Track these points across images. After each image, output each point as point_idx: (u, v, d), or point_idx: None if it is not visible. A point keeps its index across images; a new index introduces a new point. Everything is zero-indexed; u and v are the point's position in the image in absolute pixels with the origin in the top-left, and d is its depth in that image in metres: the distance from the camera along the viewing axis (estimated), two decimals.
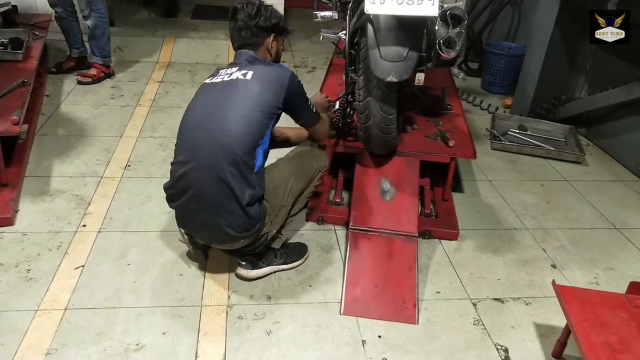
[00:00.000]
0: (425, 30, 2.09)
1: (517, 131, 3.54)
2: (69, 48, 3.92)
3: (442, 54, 2.32)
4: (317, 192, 2.42)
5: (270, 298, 2.02)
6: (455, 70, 4.66)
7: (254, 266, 2.07)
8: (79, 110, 3.38)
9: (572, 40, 3.53)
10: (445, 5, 2.33)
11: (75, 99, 3.56)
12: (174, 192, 1.93)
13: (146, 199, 2.54)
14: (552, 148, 3.33)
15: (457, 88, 4.12)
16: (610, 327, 1.59)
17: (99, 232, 2.29)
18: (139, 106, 3.53)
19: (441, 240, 2.42)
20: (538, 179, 3.04)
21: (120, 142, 3.04)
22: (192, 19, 5.57)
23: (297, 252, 2.21)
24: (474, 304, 2.07)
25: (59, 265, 2.07)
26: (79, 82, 3.74)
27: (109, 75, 3.92)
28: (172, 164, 1.95)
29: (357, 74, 2.24)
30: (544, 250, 2.42)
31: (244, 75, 1.88)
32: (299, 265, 2.18)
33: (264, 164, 1.93)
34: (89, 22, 3.69)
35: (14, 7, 4.05)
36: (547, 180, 3.04)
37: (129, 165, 2.82)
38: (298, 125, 2.17)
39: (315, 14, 2.33)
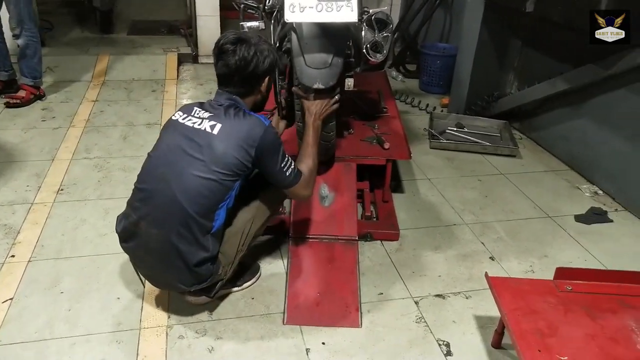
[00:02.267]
0: (349, 36, 2.12)
1: (455, 129, 3.63)
2: None
3: (370, 58, 2.36)
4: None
5: (211, 314, 1.98)
6: (393, 73, 4.76)
7: (203, 293, 1.96)
8: (7, 135, 3.24)
9: (500, 39, 3.66)
10: (370, 10, 2.37)
11: (3, 123, 3.41)
12: (125, 236, 1.83)
13: (80, 223, 2.45)
14: (488, 143, 3.44)
15: (395, 90, 4.21)
16: (539, 314, 1.64)
17: (29, 261, 2.19)
18: (72, 127, 3.41)
19: (383, 242, 2.45)
20: (476, 174, 3.13)
21: (52, 166, 2.93)
22: (128, 34, 5.47)
23: (249, 272, 2.14)
24: (416, 302, 2.10)
25: None
26: (7, 105, 3.58)
27: (40, 97, 3.77)
28: (127, 203, 1.84)
29: (294, 82, 2.24)
30: (482, 243, 2.49)
31: (212, 127, 1.71)
32: (250, 286, 2.13)
33: (226, 221, 1.82)
34: (19, 42, 3.54)
35: None
36: (485, 175, 3.13)
37: (61, 189, 2.71)
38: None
39: (241, 24, 2.31)
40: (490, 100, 3.78)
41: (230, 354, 1.82)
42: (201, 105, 1.83)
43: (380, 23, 2.39)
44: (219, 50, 1.77)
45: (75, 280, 2.11)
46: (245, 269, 2.15)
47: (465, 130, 3.63)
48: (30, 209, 2.54)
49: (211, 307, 2.01)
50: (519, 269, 2.33)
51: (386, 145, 2.59)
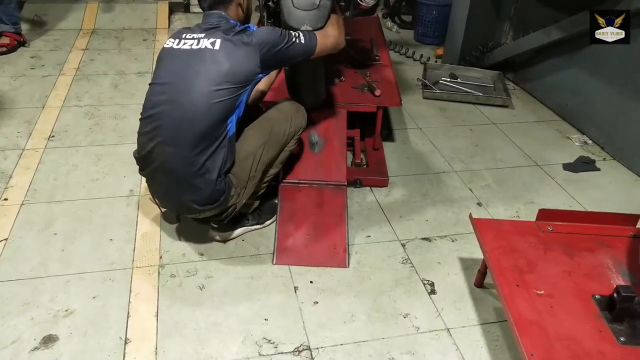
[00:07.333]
0: None
1: (448, 79, 3.61)
2: None
3: (360, 2, 2.33)
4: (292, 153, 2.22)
5: (202, 255, 2.03)
6: (388, 23, 4.69)
7: (226, 228, 2.07)
8: None
9: None
10: None
11: None
12: (142, 162, 1.89)
13: (72, 169, 2.47)
14: (480, 94, 3.43)
15: (390, 41, 4.16)
16: (519, 252, 1.69)
17: (22, 204, 2.22)
18: (62, 75, 3.38)
19: (372, 188, 2.48)
20: (467, 124, 3.14)
21: (43, 113, 2.92)
22: None
23: (269, 211, 2.21)
24: (403, 245, 2.15)
25: None
26: None
27: (23, 43, 3.70)
28: (138, 134, 1.87)
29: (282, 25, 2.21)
30: (470, 190, 2.53)
31: (212, 44, 1.76)
32: (271, 224, 2.19)
33: (236, 130, 1.85)
34: None
35: None
36: (476, 124, 3.14)
37: (52, 136, 2.72)
38: None
39: None
40: (485, 50, 3.74)
41: (220, 291, 1.87)
42: (190, 29, 1.87)
43: None
44: None
45: (69, 223, 2.14)
46: (266, 209, 2.22)
47: (459, 80, 3.61)
48: (21, 154, 2.55)
49: (202, 248, 2.06)
50: (505, 214, 2.38)
51: (377, 93, 2.59)
